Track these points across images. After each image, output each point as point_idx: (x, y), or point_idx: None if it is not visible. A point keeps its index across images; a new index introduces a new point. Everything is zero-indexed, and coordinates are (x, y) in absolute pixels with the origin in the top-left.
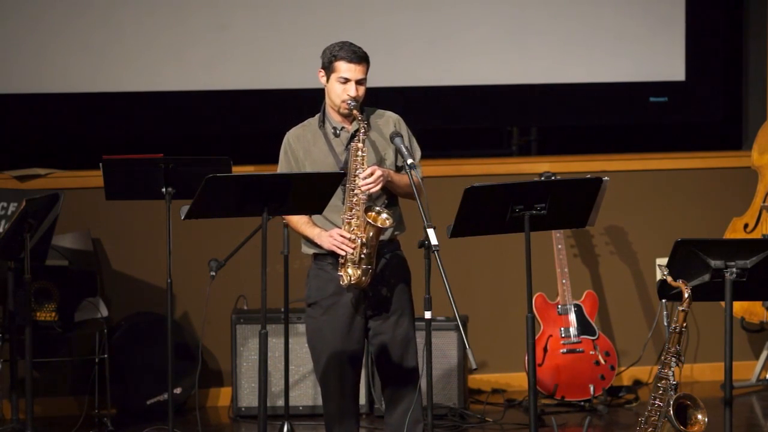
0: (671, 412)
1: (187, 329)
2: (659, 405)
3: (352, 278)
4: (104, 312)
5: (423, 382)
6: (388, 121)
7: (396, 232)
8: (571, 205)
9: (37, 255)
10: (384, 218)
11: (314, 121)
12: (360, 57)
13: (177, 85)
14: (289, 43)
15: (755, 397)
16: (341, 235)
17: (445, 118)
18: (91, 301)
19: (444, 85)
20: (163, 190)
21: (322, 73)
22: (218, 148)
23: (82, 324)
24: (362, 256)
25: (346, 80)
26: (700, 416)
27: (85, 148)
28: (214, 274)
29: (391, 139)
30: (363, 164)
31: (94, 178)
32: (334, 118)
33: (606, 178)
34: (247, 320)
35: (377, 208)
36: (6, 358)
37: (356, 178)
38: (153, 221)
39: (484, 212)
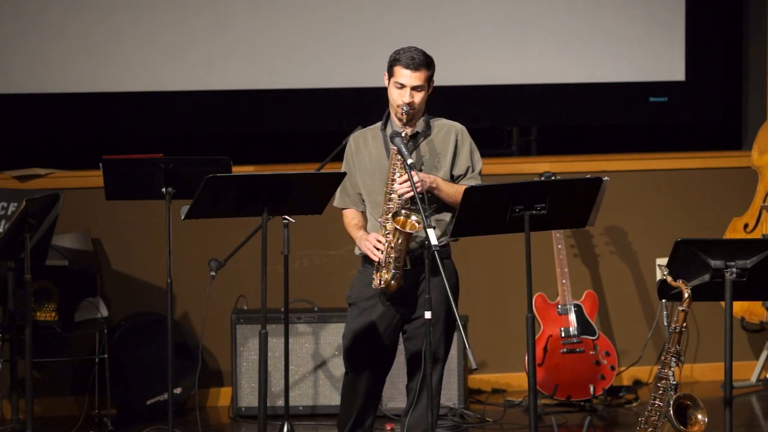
0: (671, 412)
1: (187, 329)
2: (659, 405)
3: (382, 282)
4: (104, 312)
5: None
6: (449, 131)
7: (443, 239)
8: (571, 205)
9: (37, 255)
10: (413, 222)
11: (379, 124)
12: (418, 64)
13: (177, 85)
14: (289, 43)
15: (755, 397)
16: (378, 240)
17: (445, 118)
18: (91, 301)
19: (444, 85)
20: (163, 190)
21: (386, 75)
22: (218, 148)
23: (82, 324)
24: (389, 259)
25: (402, 86)
26: (700, 416)
27: (85, 148)
28: (214, 274)
29: (391, 139)
30: (401, 168)
31: (94, 178)
32: (395, 122)
33: (606, 178)
34: (247, 320)
35: (405, 212)
36: (6, 358)
37: (394, 182)
38: (153, 221)
39: (484, 212)
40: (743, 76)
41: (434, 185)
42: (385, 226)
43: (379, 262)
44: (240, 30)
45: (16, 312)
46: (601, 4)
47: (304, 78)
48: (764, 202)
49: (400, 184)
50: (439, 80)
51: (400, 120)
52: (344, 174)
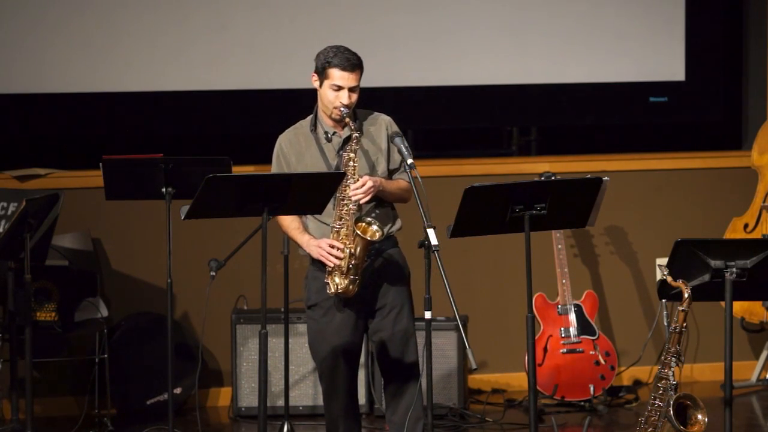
0: (671, 412)
1: (187, 329)
2: (659, 405)
3: (339, 287)
4: (104, 312)
5: (423, 382)
6: (380, 126)
7: (392, 229)
8: (571, 205)
9: (37, 255)
10: (374, 230)
11: (306, 124)
12: (354, 65)
13: (177, 85)
14: (289, 43)
15: (755, 397)
16: (330, 245)
17: (445, 118)
18: (91, 301)
19: (444, 85)
20: (163, 190)
21: (315, 77)
22: (218, 148)
23: (82, 324)
24: (350, 266)
25: (339, 88)
26: (700, 416)
27: (85, 148)
28: (214, 274)
29: (391, 139)
30: (354, 174)
31: (94, 178)
32: (326, 122)
33: (606, 178)
34: (247, 320)
35: (368, 219)
36: (6, 358)
37: (347, 188)
38: (153, 221)
39: (484, 212)
40: (743, 76)
41: (381, 187)
42: (338, 231)
43: (332, 268)
44: (240, 30)
45: (16, 312)
46: (602, 4)
47: (304, 78)
48: (764, 202)
49: (356, 189)
50: (440, 80)
51: (337, 121)
52: (344, 174)
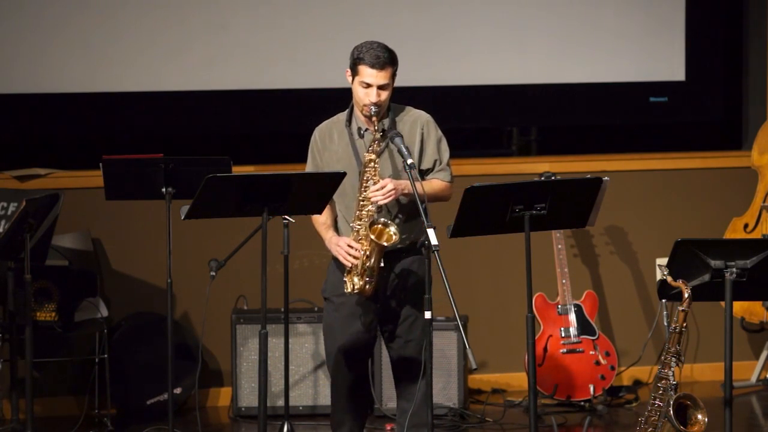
0: (671, 412)
1: (187, 329)
2: (659, 405)
3: (356, 287)
4: (104, 312)
5: (424, 383)
6: (414, 125)
7: (417, 239)
8: (571, 205)
9: (37, 255)
10: (391, 233)
11: (342, 117)
12: (383, 62)
13: (177, 85)
14: (289, 43)
15: (755, 397)
16: (349, 245)
17: (445, 118)
18: (91, 301)
19: (444, 85)
20: (163, 190)
21: (349, 72)
22: (218, 148)
23: (82, 324)
24: (365, 268)
25: (368, 85)
26: (700, 416)
27: (85, 148)
28: (214, 274)
29: (391, 139)
30: (375, 175)
31: (94, 178)
32: (359, 118)
33: (606, 178)
34: (247, 320)
35: (383, 220)
36: (6, 358)
37: (367, 188)
38: (153, 221)
39: (484, 212)
40: (743, 76)
41: (406, 191)
42: (358, 231)
43: (350, 268)
44: (240, 30)
45: (16, 312)
46: (601, 4)
47: (304, 78)
48: (764, 202)
49: (375, 191)
50: (440, 80)
51: (367, 117)
52: (344, 174)
